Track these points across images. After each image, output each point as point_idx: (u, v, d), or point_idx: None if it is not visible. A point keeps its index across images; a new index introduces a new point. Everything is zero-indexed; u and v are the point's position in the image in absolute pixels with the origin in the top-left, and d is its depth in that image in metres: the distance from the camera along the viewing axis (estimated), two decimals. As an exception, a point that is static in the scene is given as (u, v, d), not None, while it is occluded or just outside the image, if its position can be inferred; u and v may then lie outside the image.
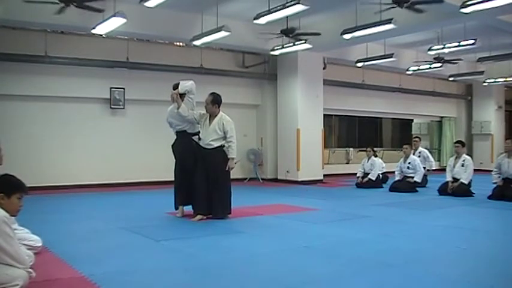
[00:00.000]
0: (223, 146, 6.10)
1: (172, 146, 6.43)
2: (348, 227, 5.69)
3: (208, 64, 11.51)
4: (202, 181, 6.07)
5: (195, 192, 6.13)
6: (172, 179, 6.51)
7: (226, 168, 6.05)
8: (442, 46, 10.72)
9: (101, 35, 9.84)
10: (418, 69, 12.81)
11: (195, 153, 6.21)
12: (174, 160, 6.45)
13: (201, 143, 6.17)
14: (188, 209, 6.31)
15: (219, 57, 12.03)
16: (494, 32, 10.73)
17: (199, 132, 6.30)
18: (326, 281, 3.46)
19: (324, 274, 3.63)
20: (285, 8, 7.33)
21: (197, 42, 9.38)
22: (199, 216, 6.06)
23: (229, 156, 6.06)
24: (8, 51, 9.28)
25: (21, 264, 3.02)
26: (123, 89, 10.70)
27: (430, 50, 11.20)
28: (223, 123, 6.04)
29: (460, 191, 8.58)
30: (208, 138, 6.05)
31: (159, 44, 11.19)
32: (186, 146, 6.26)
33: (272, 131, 12.58)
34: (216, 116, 6.10)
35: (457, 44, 10.30)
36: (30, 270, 3.11)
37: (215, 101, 6.10)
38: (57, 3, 7.21)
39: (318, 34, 9.62)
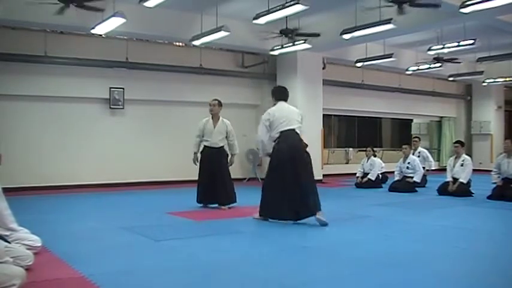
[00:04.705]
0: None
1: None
2: (347, 227, 5.69)
3: (208, 64, 11.50)
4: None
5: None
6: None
7: (230, 165, 7.05)
8: (441, 46, 10.72)
9: (101, 35, 9.84)
10: (418, 69, 12.79)
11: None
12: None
13: (207, 144, 7.02)
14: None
15: (219, 57, 12.02)
16: (494, 32, 10.73)
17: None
18: (326, 281, 3.45)
19: (324, 274, 3.63)
20: (285, 8, 7.32)
21: (197, 42, 9.37)
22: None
23: (233, 153, 7.11)
24: (8, 51, 9.27)
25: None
26: (123, 89, 10.69)
27: (429, 50, 11.19)
28: (226, 125, 7.06)
29: (459, 190, 8.59)
30: (215, 138, 6.99)
31: (159, 44, 11.18)
32: None
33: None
34: (218, 119, 7.05)
35: (456, 44, 10.29)
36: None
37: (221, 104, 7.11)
38: (57, 3, 7.21)
39: (318, 35, 9.63)
